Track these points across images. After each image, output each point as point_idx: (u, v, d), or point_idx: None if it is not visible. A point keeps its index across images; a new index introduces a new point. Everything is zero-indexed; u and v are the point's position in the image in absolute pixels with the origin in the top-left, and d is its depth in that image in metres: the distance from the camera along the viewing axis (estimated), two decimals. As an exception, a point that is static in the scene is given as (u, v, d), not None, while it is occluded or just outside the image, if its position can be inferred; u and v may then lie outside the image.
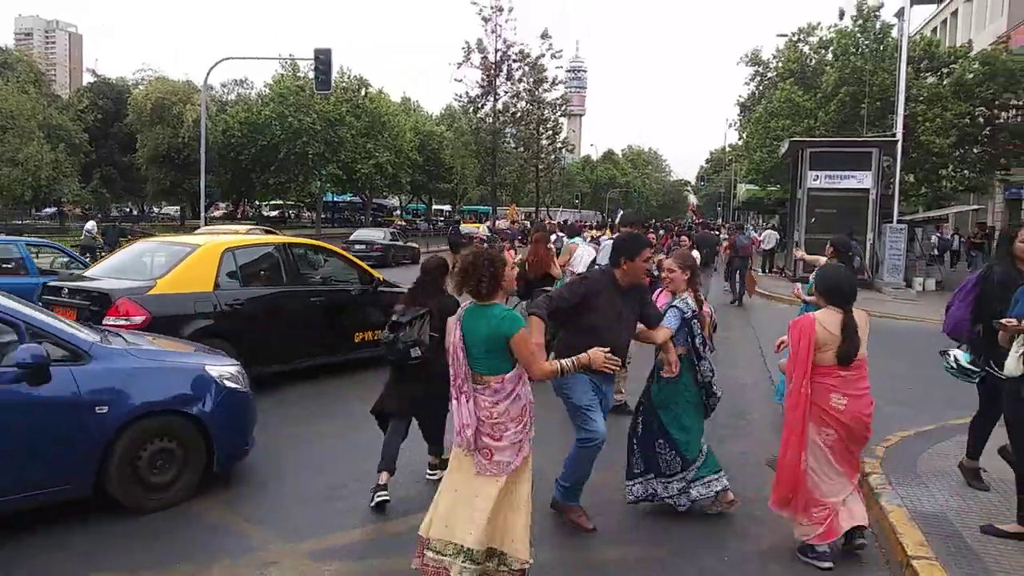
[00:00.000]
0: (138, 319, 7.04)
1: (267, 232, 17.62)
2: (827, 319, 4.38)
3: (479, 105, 45.60)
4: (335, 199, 62.33)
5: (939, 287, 22.28)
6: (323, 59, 24.64)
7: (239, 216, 56.34)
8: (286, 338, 8.31)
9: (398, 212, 68.12)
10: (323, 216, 54.02)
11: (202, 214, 29.01)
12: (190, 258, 7.90)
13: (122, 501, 4.84)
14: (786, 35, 34.00)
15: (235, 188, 50.58)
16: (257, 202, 58.31)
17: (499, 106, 45.73)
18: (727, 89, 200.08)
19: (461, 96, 46.12)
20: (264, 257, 8.88)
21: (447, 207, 69.10)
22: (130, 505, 4.87)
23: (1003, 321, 4.40)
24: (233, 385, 5.47)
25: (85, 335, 5.06)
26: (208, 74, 26.92)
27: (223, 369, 5.51)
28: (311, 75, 31.41)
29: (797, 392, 4.37)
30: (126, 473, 4.85)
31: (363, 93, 47.46)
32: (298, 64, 43.14)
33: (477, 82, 44.75)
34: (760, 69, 39.20)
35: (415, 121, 54.22)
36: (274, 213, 63.49)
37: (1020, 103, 25.39)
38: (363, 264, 10.06)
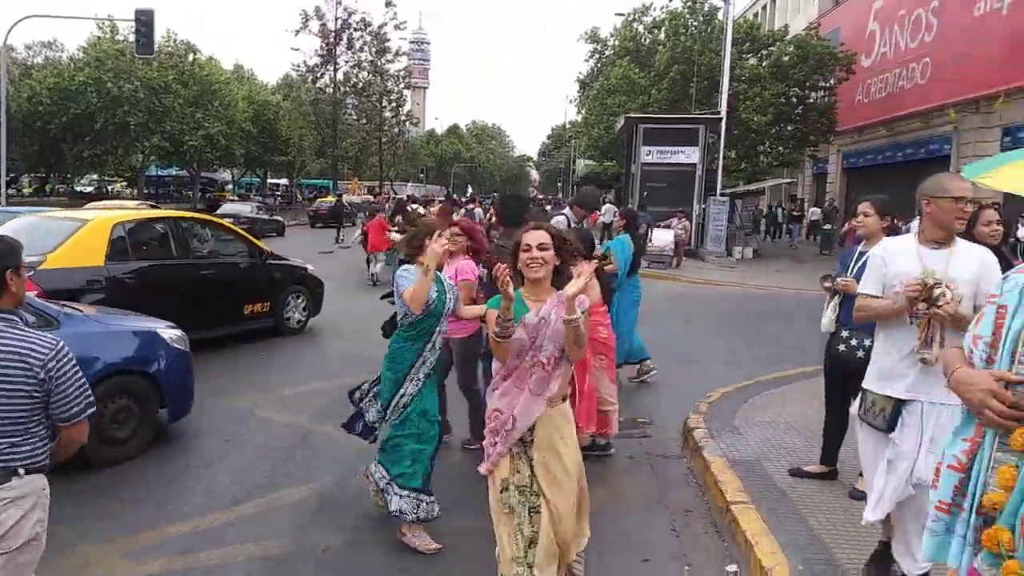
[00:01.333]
0: (30, 294, 6.51)
1: (153, 207, 17.61)
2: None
3: (318, 75, 44.02)
4: (159, 173, 58.24)
5: (756, 255, 24.03)
6: (145, 20, 22.73)
7: (48, 193, 51.26)
8: (176, 311, 7.83)
9: (230, 186, 64.63)
10: (146, 192, 50.22)
11: (2, 190, 26.08)
12: (79, 233, 7.74)
13: (89, 456, 4.98)
14: (623, 14, 35.09)
15: (43, 161, 45.99)
16: (69, 176, 53.29)
17: (339, 76, 44.38)
18: (568, 66, 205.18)
19: (299, 65, 44.37)
20: (153, 231, 8.81)
21: (283, 181, 66.37)
22: (95, 461, 5.09)
23: (840, 281, 4.73)
24: (180, 346, 5.94)
25: (52, 303, 5.44)
26: (8, 33, 24.13)
27: (171, 332, 5.94)
28: (132, 38, 28.96)
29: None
30: (92, 430, 4.70)
31: (191, 59, 44.42)
32: (117, 26, 39.69)
33: (316, 51, 43.18)
34: (599, 47, 40.29)
35: (249, 90, 51.36)
36: (89, 188, 58.40)
37: (827, 85, 27.69)
38: (252, 238, 10.15)
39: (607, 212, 29.30)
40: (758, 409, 6.62)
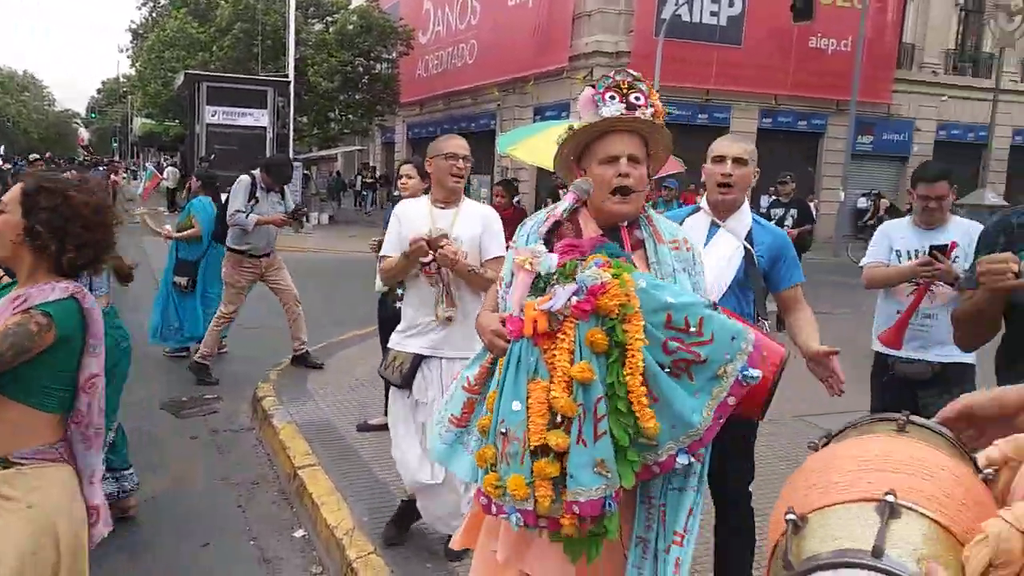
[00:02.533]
0: None
1: None
2: None
3: None
4: None
5: (332, 221, 24.39)
6: None
7: None
8: None
9: None
10: None
11: None
12: None
13: None
14: (177, -39, 32.18)
15: None
16: None
17: None
18: (118, 11, 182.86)
19: None
20: None
21: None
22: None
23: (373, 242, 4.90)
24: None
25: None
26: None
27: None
28: None
29: None
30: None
31: None
32: None
33: None
34: (152, -7, 36.55)
35: None
36: None
37: (390, 56, 28.93)
38: None
39: (170, 175, 27.08)
40: (331, 370, 6.69)
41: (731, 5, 22.23)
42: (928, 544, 0.87)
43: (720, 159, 2.93)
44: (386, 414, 5.18)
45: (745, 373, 1.91)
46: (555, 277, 1.94)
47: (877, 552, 0.85)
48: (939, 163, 4.37)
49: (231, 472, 4.79)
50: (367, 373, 6.45)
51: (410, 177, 5.00)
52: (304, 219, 6.58)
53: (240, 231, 6.54)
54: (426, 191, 5.04)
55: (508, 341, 1.97)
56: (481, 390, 2.16)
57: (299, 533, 4.03)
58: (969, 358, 3.78)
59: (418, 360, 3.39)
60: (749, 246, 2.87)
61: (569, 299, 1.86)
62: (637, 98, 2.05)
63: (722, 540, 3.04)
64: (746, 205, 2.99)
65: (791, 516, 0.95)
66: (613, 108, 2.04)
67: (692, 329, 1.89)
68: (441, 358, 3.40)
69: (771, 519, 1.08)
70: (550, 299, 1.88)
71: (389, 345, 3.58)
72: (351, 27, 26.97)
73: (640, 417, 1.83)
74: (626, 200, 2.08)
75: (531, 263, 1.96)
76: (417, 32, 28.90)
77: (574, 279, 1.90)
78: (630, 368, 1.83)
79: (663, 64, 18.73)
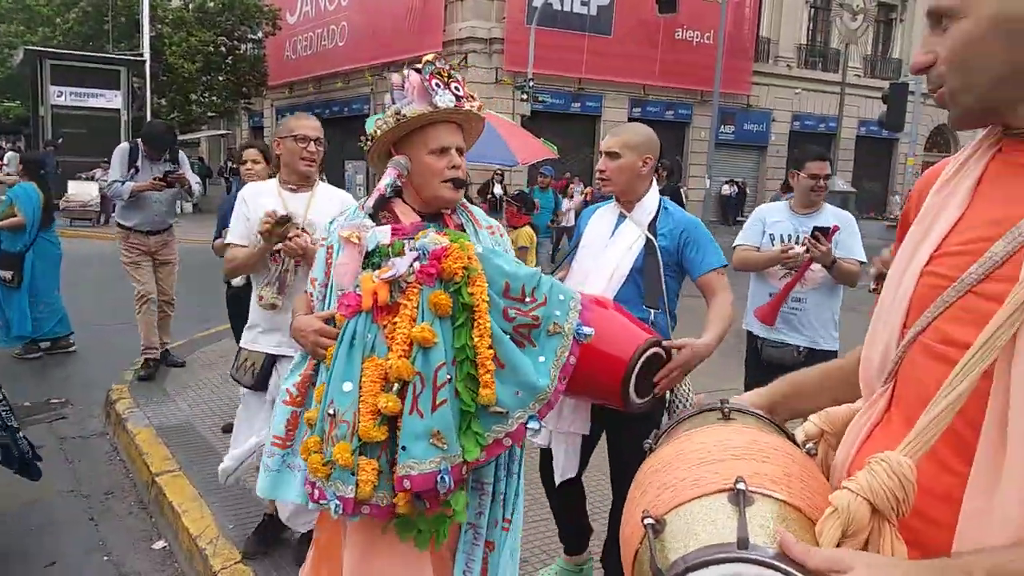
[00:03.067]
0: None
1: None
2: None
3: None
4: None
5: (196, 210, 23.14)
6: None
7: None
8: None
9: None
10: None
11: None
12: None
13: None
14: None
15: None
16: None
17: None
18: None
19: None
20: None
21: None
22: None
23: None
24: None
25: None
26: None
27: None
28: None
29: None
30: None
31: None
32: None
33: None
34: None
35: None
36: None
37: (255, 37, 27.72)
38: None
39: (10, 161, 24.92)
40: (192, 369, 6.32)
41: (600, -5, 22.70)
42: (783, 525, 0.90)
43: (602, 154, 2.97)
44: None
45: (580, 330, 1.95)
46: (387, 253, 1.87)
47: (742, 543, 0.86)
48: (817, 147, 4.48)
49: (82, 483, 4.42)
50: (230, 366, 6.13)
51: (255, 162, 4.72)
52: (187, 187, 6.01)
53: (124, 205, 6.06)
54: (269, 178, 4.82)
55: (334, 336, 1.88)
56: (304, 400, 2.04)
57: (159, 545, 3.76)
58: (833, 345, 3.97)
59: (271, 360, 3.17)
60: (651, 235, 2.85)
61: (412, 265, 1.80)
62: (457, 88, 2.02)
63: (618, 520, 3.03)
64: (650, 194, 2.95)
65: (648, 520, 0.94)
66: (447, 99, 1.99)
67: (527, 298, 1.91)
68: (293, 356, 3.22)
69: (623, 528, 1.07)
70: (390, 270, 1.80)
71: (241, 344, 3.32)
72: (212, 4, 25.63)
73: (481, 383, 1.79)
74: (457, 190, 2.05)
75: (358, 236, 1.86)
76: (284, 12, 27.86)
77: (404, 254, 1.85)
78: (479, 331, 1.79)
79: (536, 51, 18.89)
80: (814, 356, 3.92)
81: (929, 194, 1.13)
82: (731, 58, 22.46)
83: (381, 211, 2.02)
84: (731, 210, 25.02)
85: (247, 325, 3.30)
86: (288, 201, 3.20)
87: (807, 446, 1.13)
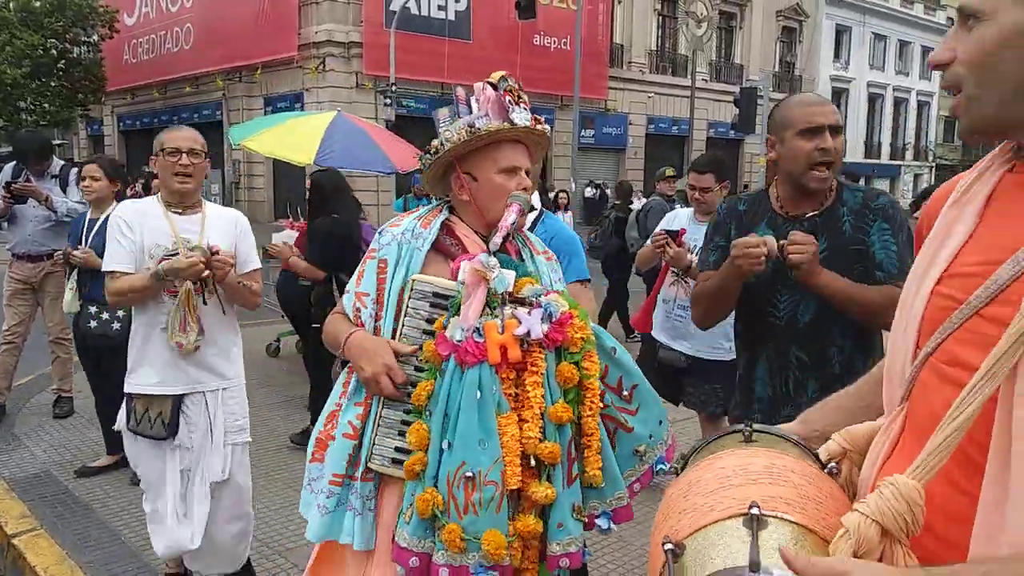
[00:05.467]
0: None
1: None
2: None
3: None
4: None
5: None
6: None
7: None
8: None
9: None
10: None
11: None
12: None
13: None
14: None
15: None
16: None
17: None
18: None
19: None
20: None
21: None
22: None
23: (77, 254, 4.21)
24: None
25: None
26: None
27: None
28: None
29: None
30: None
31: None
32: None
33: None
34: None
35: None
36: None
37: (90, 40, 25.77)
38: None
39: None
40: (38, 407, 5.68)
41: (457, 0, 22.67)
42: (796, 546, 0.92)
43: None
44: (110, 451, 4.52)
45: (660, 465, 1.87)
46: (505, 297, 1.72)
47: (754, 566, 0.89)
48: (712, 156, 4.62)
49: (-82, 553, 3.86)
50: (82, 405, 5.56)
51: (94, 179, 4.36)
52: (46, 201, 5.17)
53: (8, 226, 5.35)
54: (116, 195, 4.44)
55: (403, 379, 1.75)
56: (361, 432, 1.84)
57: (21, 618, 3.34)
58: (723, 356, 4.08)
59: (178, 402, 2.87)
60: None
61: (541, 326, 1.67)
62: (526, 108, 1.90)
63: None
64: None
65: (668, 545, 0.98)
66: (524, 116, 1.86)
67: (624, 393, 1.82)
68: (204, 392, 2.92)
69: (650, 553, 1.09)
70: (516, 323, 1.66)
71: (129, 390, 2.94)
72: (38, 4, 23.60)
73: (588, 462, 1.70)
74: (524, 215, 1.91)
75: (488, 278, 1.69)
76: (122, 13, 26.05)
77: (527, 303, 1.71)
78: (590, 408, 1.70)
79: (397, 56, 18.63)
80: (700, 363, 4.04)
81: (941, 211, 1.13)
82: (588, 64, 23.05)
83: (441, 230, 1.89)
84: (594, 212, 25.70)
85: (132, 366, 2.94)
86: (178, 224, 2.90)
87: (829, 465, 1.15)
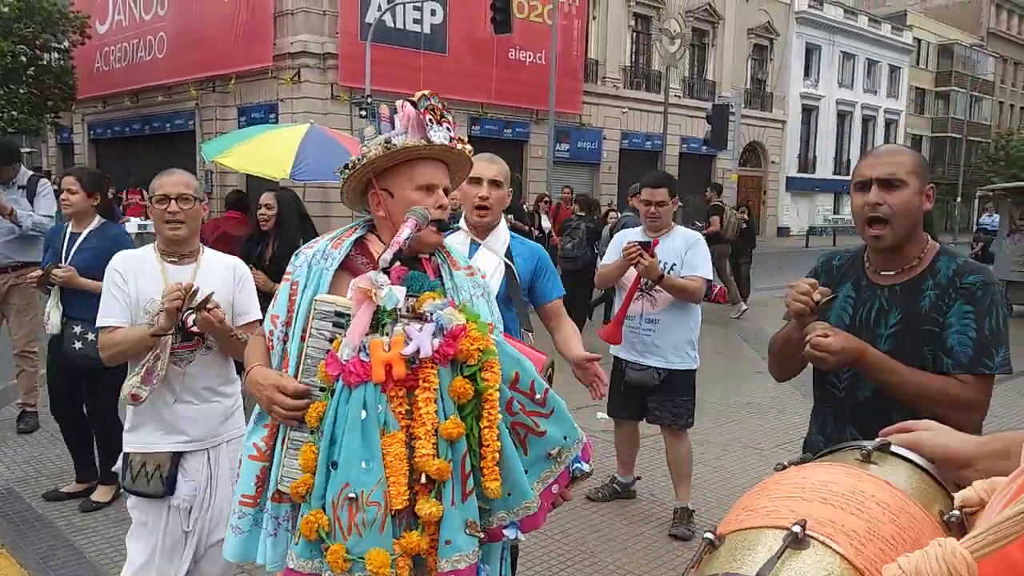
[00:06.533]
0: None
1: None
2: None
3: None
4: None
5: None
6: None
7: None
8: None
9: None
10: None
11: None
12: None
13: None
14: None
15: None
16: None
17: None
18: None
19: None
20: None
21: None
22: None
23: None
24: None
25: None
26: None
27: None
28: None
29: None
30: None
31: None
32: None
33: None
34: None
35: None
36: None
37: (62, 46, 25.42)
38: None
39: None
40: (11, 422, 5.58)
41: (433, 14, 22.72)
42: None
43: (477, 181, 2.83)
44: (80, 479, 4.42)
45: (578, 465, 1.85)
46: (397, 313, 1.69)
47: None
48: (664, 172, 4.74)
49: None
50: (47, 420, 5.43)
51: (72, 192, 4.19)
52: (11, 215, 5.03)
53: None
54: (97, 208, 4.29)
55: (287, 406, 1.72)
56: (269, 453, 1.84)
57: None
58: (691, 365, 4.13)
59: (178, 457, 2.72)
60: (510, 262, 2.83)
61: (431, 342, 1.65)
62: (449, 128, 1.88)
63: None
64: (503, 222, 2.97)
65: (708, 535, 0.99)
66: (442, 135, 1.85)
67: (537, 396, 1.78)
68: (207, 448, 2.78)
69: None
70: (408, 343, 1.63)
71: (129, 449, 2.77)
72: (6, 9, 23.24)
73: (485, 475, 1.67)
74: (440, 233, 1.90)
75: (375, 294, 1.66)
76: (94, 20, 25.72)
77: (419, 317, 1.68)
78: (488, 420, 1.67)
79: (372, 67, 18.61)
80: (672, 377, 4.08)
81: None
82: (562, 78, 23.20)
83: (354, 248, 1.88)
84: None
85: (129, 426, 2.79)
86: (170, 275, 2.76)
87: (951, 512, 1.03)
